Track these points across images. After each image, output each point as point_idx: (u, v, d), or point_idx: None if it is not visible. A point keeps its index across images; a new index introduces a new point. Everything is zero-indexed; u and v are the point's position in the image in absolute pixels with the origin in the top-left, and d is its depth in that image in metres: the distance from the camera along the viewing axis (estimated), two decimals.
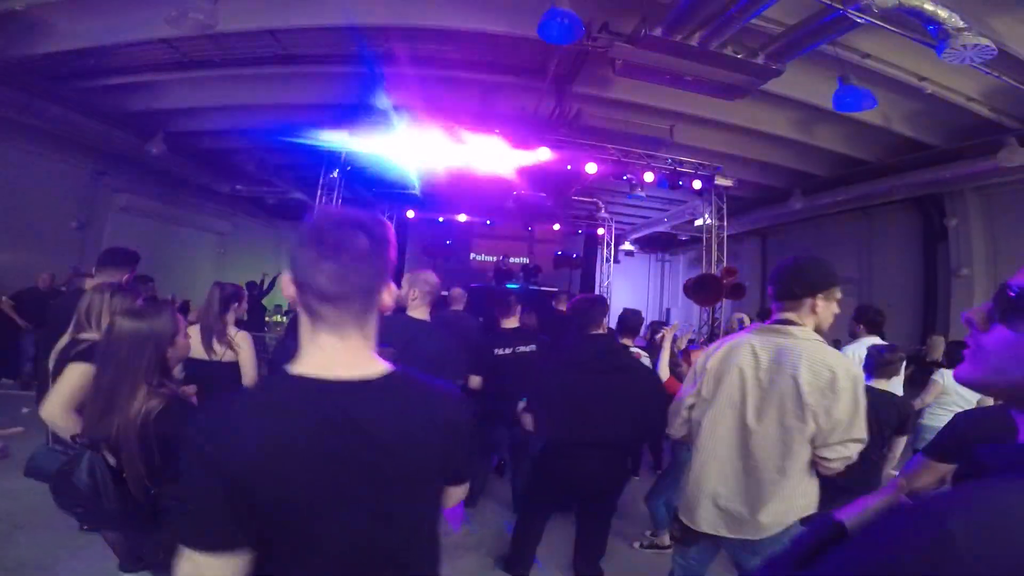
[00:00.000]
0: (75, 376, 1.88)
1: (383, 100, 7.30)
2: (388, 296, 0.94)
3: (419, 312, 2.73)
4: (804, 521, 1.66)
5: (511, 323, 3.72)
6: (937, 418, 3.85)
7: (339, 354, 0.87)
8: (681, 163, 8.16)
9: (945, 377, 3.87)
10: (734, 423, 1.77)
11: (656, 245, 16.79)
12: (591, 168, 7.92)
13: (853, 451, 1.67)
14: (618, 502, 2.90)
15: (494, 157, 7.70)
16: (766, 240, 13.51)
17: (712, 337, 9.22)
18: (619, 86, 6.53)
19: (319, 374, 0.85)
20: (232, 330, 2.89)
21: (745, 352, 1.78)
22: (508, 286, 10.96)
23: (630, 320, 3.63)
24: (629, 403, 2.58)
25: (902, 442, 2.88)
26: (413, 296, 2.72)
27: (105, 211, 9.55)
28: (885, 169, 8.09)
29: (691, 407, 1.94)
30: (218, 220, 12.77)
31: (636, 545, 3.44)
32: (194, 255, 12.08)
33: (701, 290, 8.99)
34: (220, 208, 12.48)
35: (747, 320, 4.96)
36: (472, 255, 15.22)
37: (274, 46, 5.93)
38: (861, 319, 3.73)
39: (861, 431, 1.65)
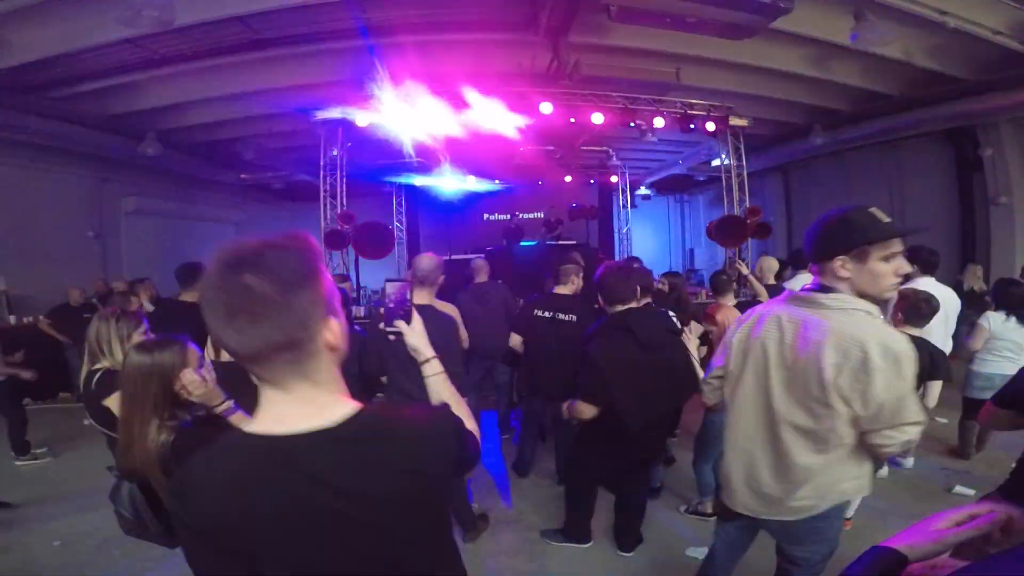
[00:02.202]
0: (115, 405, 1.92)
1: (376, 72, 7.10)
2: (331, 335, 0.80)
3: (420, 298, 2.67)
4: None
5: (563, 289, 3.52)
6: (987, 364, 3.72)
7: (289, 407, 0.79)
8: (691, 105, 7.76)
9: (991, 321, 3.68)
10: (761, 403, 1.63)
11: (673, 187, 16.26)
12: (597, 118, 7.62)
13: (911, 434, 1.44)
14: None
15: (496, 117, 7.44)
16: (789, 175, 12.93)
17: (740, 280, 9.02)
18: (617, 32, 6.13)
19: (272, 430, 0.78)
20: None
21: (771, 326, 1.61)
22: (523, 243, 10.85)
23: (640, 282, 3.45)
24: (674, 376, 2.51)
25: (936, 387, 2.77)
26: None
27: (116, 217, 9.66)
28: (910, 102, 7.68)
29: (720, 378, 1.85)
30: (231, 211, 12.84)
31: (681, 509, 3.44)
32: (213, 247, 12.25)
33: (725, 231, 8.76)
34: (231, 199, 12.52)
35: (774, 265, 4.78)
36: (485, 215, 15.04)
37: (245, 32, 5.69)
38: (916, 260, 3.51)
39: (914, 413, 1.42)
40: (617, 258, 14.31)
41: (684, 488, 3.64)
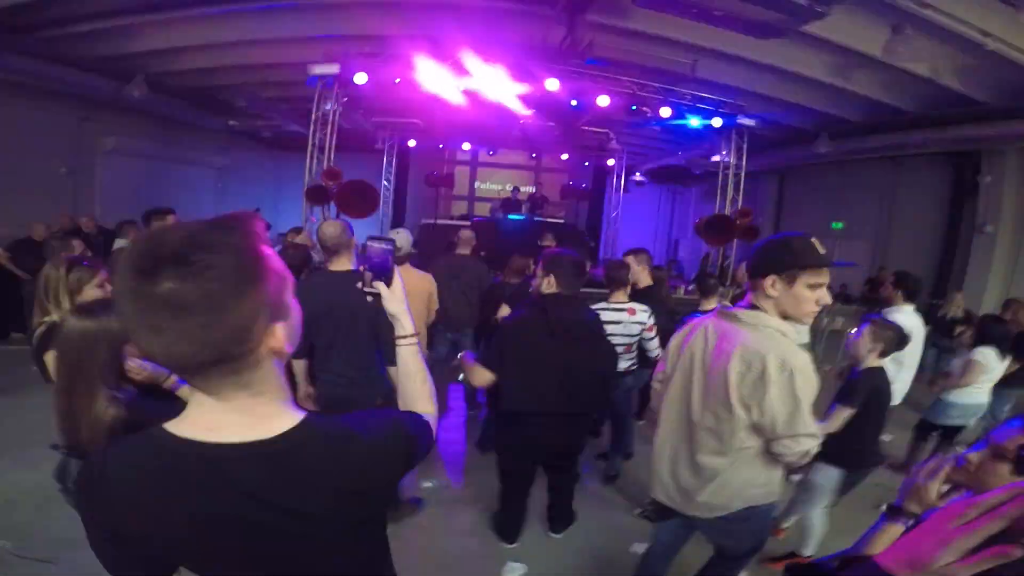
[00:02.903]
0: (53, 365, 1.69)
1: (378, 31, 6.73)
2: (277, 342, 0.69)
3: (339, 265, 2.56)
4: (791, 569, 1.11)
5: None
6: (967, 395, 3.76)
7: (225, 416, 0.70)
8: (701, 98, 7.58)
9: (987, 357, 3.71)
10: (683, 404, 1.79)
11: (667, 176, 16.15)
12: (603, 101, 7.39)
13: (807, 446, 1.59)
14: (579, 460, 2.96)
15: (499, 86, 7.16)
16: (784, 179, 12.94)
17: (722, 277, 9.06)
18: (637, 16, 5.89)
19: (203, 437, 0.69)
20: None
21: (699, 335, 1.78)
22: (511, 217, 10.72)
23: (615, 272, 3.32)
24: (591, 373, 2.54)
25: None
26: None
27: (93, 155, 9.26)
28: (921, 120, 7.66)
29: (660, 382, 1.99)
30: (214, 156, 12.37)
31: (635, 512, 3.43)
32: (194, 190, 11.84)
33: (713, 230, 8.72)
34: (215, 144, 12.09)
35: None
36: (476, 183, 14.74)
37: None
38: (900, 286, 3.47)
39: (807, 425, 1.56)
40: (604, 243, 14.33)
41: (641, 491, 3.56)
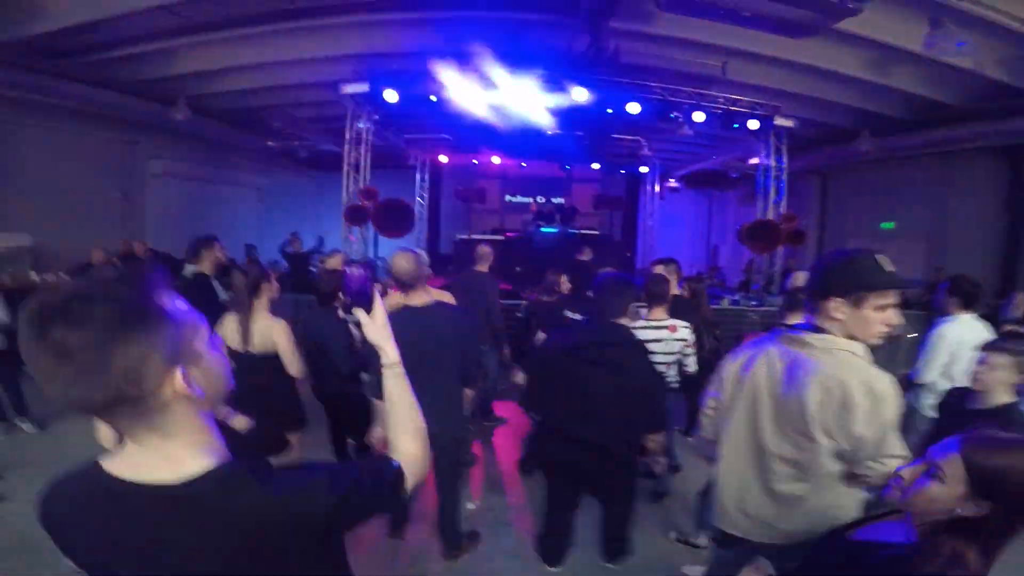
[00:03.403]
0: None
1: (407, 46, 6.86)
2: (178, 385, 0.71)
3: (390, 300, 2.50)
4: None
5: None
6: None
7: (142, 455, 0.75)
8: (735, 101, 7.35)
9: None
10: (750, 434, 1.73)
11: (703, 181, 15.75)
12: (633, 108, 7.28)
13: (893, 466, 1.49)
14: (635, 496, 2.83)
15: (527, 99, 7.16)
16: (827, 180, 12.40)
17: (768, 286, 8.69)
18: (663, 20, 5.78)
19: (128, 475, 0.74)
20: (265, 319, 2.65)
21: (762, 362, 1.71)
22: (544, 230, 10.63)
23: (656, 288, 3.22)
24: (636, 399, 2.42)
25: None
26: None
27: (143, 179, 9.70)
28: (968, 114, 7.22)
29: (715, 409, 1.91)
30: (255, 176, 12.85)
31: (671, 536, 3.29)
32: (237, 211, 12.31)
33: (757, 236, 8.40)
34: (256, 164, 12.52)
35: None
36: (507, 196, 14.76)
37: (278, 1, 5.48)
38: (956, 292, 3.15)
39: (895, 447, 1.51)
40: (640, 252, 14.06)
41: (680, 514, 3.45)
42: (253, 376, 2.45)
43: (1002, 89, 6.40)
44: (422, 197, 13.84)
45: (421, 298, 2.41)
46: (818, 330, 1.58)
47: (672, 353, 3.16)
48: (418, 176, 13.52)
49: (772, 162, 8.26)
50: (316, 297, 3.28)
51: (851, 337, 1.54)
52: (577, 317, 3.54)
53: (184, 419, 0.75)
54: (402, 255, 2.40)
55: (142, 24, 5.91)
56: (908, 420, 2.45)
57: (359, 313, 1.06)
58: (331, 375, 3.13)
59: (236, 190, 12.39)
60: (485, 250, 4.43)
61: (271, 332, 2.64)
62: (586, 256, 5.58)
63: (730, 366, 1.85)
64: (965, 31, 4.19)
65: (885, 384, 1.48)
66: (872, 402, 1.46)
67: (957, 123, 7.45)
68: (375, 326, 1.06)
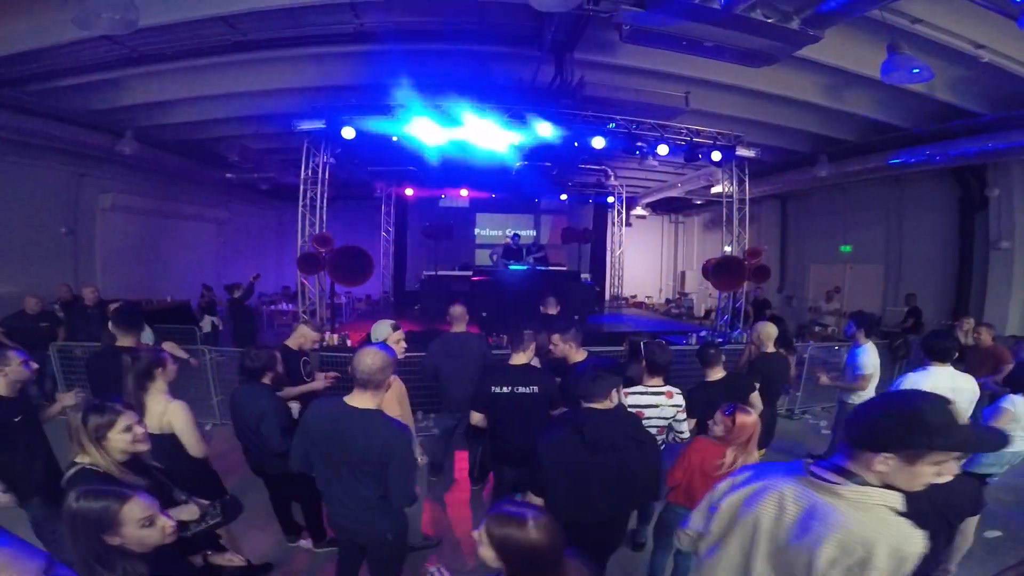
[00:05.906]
0: None
1: (365, 80, 6.68)
2: None
3: (363, 401, 2.18)
4: None
5: (519, 359, 3.31)
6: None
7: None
8: (698, 132, 7.42)
9: (1016, 404, 3.32)
10: (740, 573, 1.54)
11: (669, 207, 16.01)
12: (598, 143, 7.27)
13: None
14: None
15: (491, 132, 7.05)
16: (786, 203, 12.73)
17: (733, 321, 8.59)
18: (627, 52, 5.79)
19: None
20: (160, 403, 2.44)
21: (770, 501, 1.48)
22: (512, 267, 10.37)
23: (658, 359, 3.14)
24: (627, 481, 2.38)
25: (973, 523, 2.35)
26: None
27: (92, 213, 9.17)
28: (920, 136, 7.44)
29: (695, 540, 1.72)
30: (213, 209, 12.38)
31: None
32: (193, 247, 11.78)
33: (723, 273, 8.38)
34: (215, 197, 12.08)
35: (773, 331, 4.12)
36: (476, 229, 14.61)
37: (228, 33, 5.26)
38: (927, 347, 3.12)
39: None
40: (609, 283, 14.04)
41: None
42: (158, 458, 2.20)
43: (952, 111, 6.60)
44: (387, 232, 13.56)
45: (365, 401, 2.15)
46: (849, 475, 1.36)
47: (666, 419, 3.13)
48: (383, 209, 13.27)
49: (734, 190, 8.35)
50: (242, 374, 2.99)
51: (887, 486, 1.33)
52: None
53: None
54: (371, 352, 2.16)
55: (88, 54, 5.60)
56: None
57: None
58: (267, 455, 2.86)
59: (193, 224, 11.88)
60: (459, 310, 4.19)
61: (167, 415, 2.44)
62: (552, 310, 5.32)
63: (729, 496, 1.63)
64: (917, 54, 4.26)
65: (917, 546, 1.28)
66: (895, 565, 1.27)
67: (909, 145, 7.65)
68: None
